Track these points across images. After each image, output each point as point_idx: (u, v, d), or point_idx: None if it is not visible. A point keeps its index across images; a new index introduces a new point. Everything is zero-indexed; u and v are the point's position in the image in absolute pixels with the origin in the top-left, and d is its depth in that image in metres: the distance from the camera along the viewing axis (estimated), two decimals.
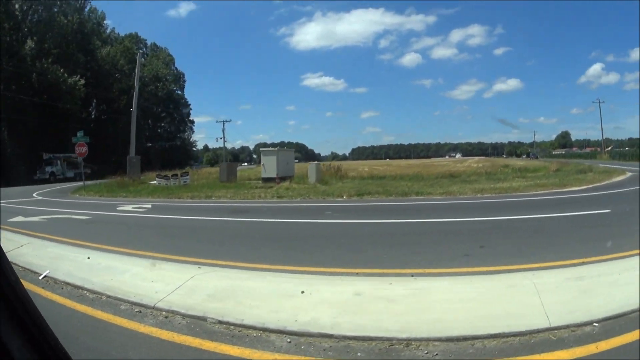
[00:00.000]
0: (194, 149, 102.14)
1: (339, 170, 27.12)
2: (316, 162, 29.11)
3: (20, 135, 45.01)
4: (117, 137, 55.86)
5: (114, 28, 75.87)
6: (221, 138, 76.01)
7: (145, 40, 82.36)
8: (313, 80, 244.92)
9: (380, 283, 5.10)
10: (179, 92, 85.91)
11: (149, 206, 16.37)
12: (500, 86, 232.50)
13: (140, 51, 41.98)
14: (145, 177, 32.25)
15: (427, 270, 5.70)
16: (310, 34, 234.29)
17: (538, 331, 3.70)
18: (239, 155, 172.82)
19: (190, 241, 9.10)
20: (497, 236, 8.34)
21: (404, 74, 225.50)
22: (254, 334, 4.02)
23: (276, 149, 28.04)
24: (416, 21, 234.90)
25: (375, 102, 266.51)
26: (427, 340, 3.66)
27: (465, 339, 3.66)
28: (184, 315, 4.48)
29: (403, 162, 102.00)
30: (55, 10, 53.68)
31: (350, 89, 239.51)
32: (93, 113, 64.98)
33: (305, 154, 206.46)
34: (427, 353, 3.51)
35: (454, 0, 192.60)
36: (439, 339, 3.66)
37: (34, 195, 24.61)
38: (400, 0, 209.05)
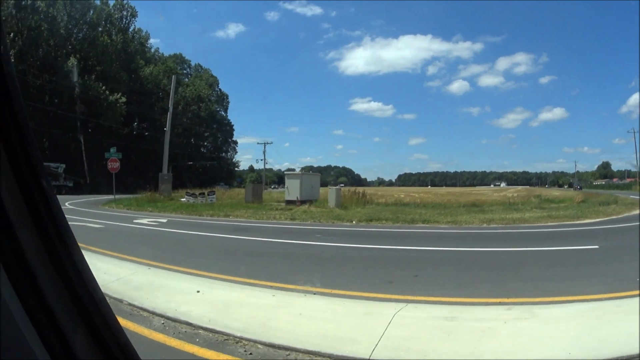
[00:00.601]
0: (237, 169, 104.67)
1: (363, 195, 27.42)
2: (338, 186, 29.63)
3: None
4: (156, 154, 58.04)
5: (157, 48, 79.71)
6: (262, 159, 78.01)
7: (190, 60, 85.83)
8: (361, 105, 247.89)
9: (266, 294, 5.79)
10: (223, 113, 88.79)
11: (165, 221, 17.15)
12: (546, 115, 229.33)
13: (174, 75, 43.35)
14: (177, 194, 33.47)
15: (328, 290, 6.02)
16: (358, 59, 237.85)
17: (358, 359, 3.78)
18: (283, 177, 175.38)
19: (163, 250, 9.92)
20: (444, 266, 8.37)
21: (452, 101, 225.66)
22: (145, 315, 5.03)
23: (300, 172, 28.66)
24: (463, 48, 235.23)
25: (423, 129, 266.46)
26: (255, 341, 4.13)
27: (285, 348, 3.99)
28: (110, 297, 5.46)
29: (444, 189, 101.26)
30: (100, 29, 56.89)
31: (398, 115, 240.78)
32: (135, 130, 67.67)
33: (352, 178, 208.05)
34: (245, 351, 4.00)
35: (501, 27, 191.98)
36: (263, 343, 4.11)
37: (67, 204, 25.97)
38: (447, 27, 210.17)
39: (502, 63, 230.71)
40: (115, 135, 52.36)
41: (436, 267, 8.25)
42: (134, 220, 16.99)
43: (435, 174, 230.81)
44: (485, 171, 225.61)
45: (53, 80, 46.87)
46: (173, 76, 41.91)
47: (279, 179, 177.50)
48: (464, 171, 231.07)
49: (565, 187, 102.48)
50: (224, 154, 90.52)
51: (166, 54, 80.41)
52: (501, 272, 7.81)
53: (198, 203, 26.66)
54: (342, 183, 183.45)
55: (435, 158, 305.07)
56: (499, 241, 12.41)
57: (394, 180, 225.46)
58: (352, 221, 17.43)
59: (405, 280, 6.93)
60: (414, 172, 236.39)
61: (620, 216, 19.69)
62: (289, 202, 25.34)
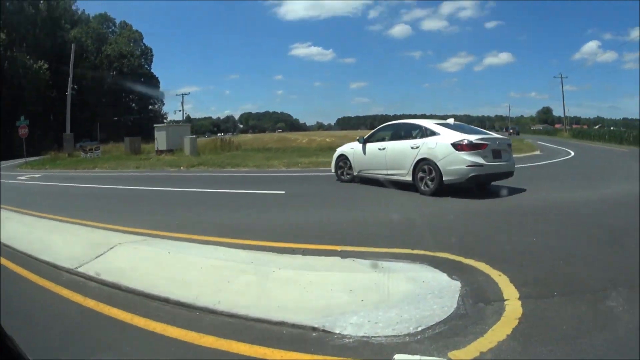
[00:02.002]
0: (165, 120, 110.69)
1: (229, 143, 34.37)
2: (193, 135, 33.38)
3: None
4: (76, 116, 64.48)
5: (84, 10, 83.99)
6: (180, 110, 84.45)
7: (115, 19, 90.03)
8: (301, 50, 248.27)
9: None
10: (147, 67, 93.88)
11: (39, 175, 24.49)
12: (491, 59, 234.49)
13: (73, 44, 49.03)
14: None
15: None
16: (298, 4, 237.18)
17: None
18: (220, 125, 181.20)
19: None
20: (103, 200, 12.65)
21: (394, 45, 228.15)
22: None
23: (166, 124, 34.94)
24: None
25: (364, 73, 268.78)
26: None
27: None
28: None
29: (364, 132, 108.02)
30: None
31: (339, 59, 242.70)
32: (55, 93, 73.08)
33: (290, 124, 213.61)
34: None
35: None
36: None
37: None
38: None
39: (447, 7, 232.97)
40: (38, 103, 58.19)
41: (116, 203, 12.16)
42: (17, 177, 23.77)
43: (375, 117, 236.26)
44: (425, 114, 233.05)
45: None
46: (72, 44, 47.43)
47: (215, 126, 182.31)
48: (403, 114, 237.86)
49: (503, 130, 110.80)
50: (151, 107, 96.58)
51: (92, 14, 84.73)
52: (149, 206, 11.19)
53: (88, 158, 33.81)
54: (279, 128, 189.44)
55: (377, 102, 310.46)
56: (232, 184, 15.08)
57: (332, 124, 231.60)
58: (180, 167, 22.96)
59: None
60: (353, 116, 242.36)
61: None
62: (158, 151, 31.82)
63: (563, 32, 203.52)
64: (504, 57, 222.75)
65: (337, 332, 3.36)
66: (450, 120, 11.46)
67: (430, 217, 7.98)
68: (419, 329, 3.34)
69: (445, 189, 9.98)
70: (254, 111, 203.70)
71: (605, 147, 39.52)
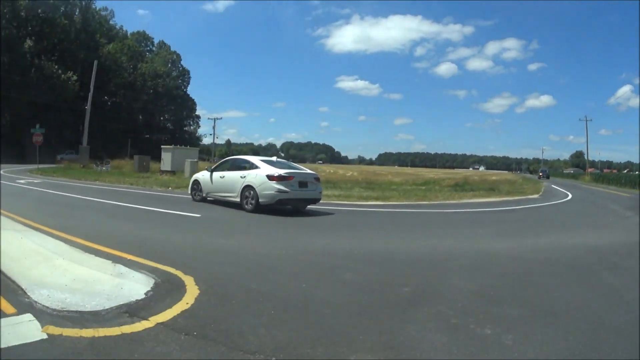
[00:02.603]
0: (201, 142, 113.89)
1: None
2: (195, 159, 34.41)
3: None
4: (104, 128, 67.34)
5: (122, 26, 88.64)
6: (211, 134, 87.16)
7: (153, 38, 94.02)
8: (348, 83, 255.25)
9: None
10: (184, 89, 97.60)
11: (38, 181, 25.89)
12: (533, 102, 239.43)
13: (95, 60, 51.32)
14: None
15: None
16: (347, 37, 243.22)
17: None
18: (260, 152, 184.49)
19: None
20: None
21: (439, 83, 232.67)
22: None
23: (173, 146, 36.39)
24: (453, 31, 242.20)
25: (409, 109, 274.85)
26: None
27: None
28: None
29: (410, 169, 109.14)
30: (62, 9, 65.93)
31: (384, 95, 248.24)
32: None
33: (331, 155, 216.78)
34: None
35: (493, 12, 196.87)
36: None
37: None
38: (438, 9, 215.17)
39: (492, 47, 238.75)
40: (68, 112, 61.01)
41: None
42: (17, 181, 25.56)
43: (416, 154, 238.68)
44: (465, 154, 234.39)
45: (13, 62, 55.54)
46: (95, 61, 49.84)
47: (254, 153, 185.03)
48: (444, 153, 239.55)
49: (530, 172, 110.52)
50: (186, 128, 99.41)
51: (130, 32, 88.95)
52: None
53: (97, 171, 35.44)
54: (320, 160, 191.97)
55: (420, 139, 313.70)
56: (172, 204, 15.60)
57: (373, 159, 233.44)
58: (168, 187, 23.69)
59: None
60: (394, 152, 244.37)
61: (476, 201, 22.90)
62: (161, 172, 33.56)
63: (599, 75, 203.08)
64: (545, 100, 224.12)
65: (46, 304, 4.64)
66: (274, 158, 15.95)
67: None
68: (121, 303, 4.77)
69: (262, 208, 13.48)
70: (296, 141, 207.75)
71: (613, 192, 39.53)
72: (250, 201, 13.63)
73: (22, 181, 25.44)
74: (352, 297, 5.40)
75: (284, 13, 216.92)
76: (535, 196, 27.73)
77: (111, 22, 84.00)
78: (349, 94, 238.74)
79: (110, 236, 8.66)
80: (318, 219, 13.42)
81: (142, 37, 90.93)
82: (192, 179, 17.22)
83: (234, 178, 14.47)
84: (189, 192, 17.07)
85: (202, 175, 16.35)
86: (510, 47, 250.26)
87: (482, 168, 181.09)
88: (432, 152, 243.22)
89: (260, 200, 13.35)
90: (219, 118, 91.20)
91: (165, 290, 5.29)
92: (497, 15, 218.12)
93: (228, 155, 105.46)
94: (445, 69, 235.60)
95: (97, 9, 77.94)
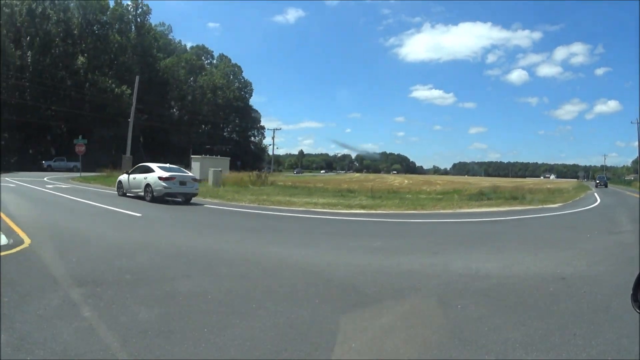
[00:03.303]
0: (268, 153, 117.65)
1: (259, 177, 36.37)
2: (219, 168, 34.79)
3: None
4: (156, 141, 70.93)
5: (180, 40, 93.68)
6: (275, 146, 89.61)
7: (212, 51, 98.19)
8: (422, 92, 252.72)
9: None
10: (246, 100, 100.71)
11: (66, 187, 27.88)
12: (601, 107, 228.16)
13: (137, 76, 53.46)
14: None
15: None
16: (419, 46, 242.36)
17: None
18: (333, 163, 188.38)
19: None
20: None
21: (511, 90, 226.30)
22: None
23: (201, 156, 37.99)
24: (522, 37, 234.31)
25: (483, 118, 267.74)
26: None
27: None
28: None
29: (473, 179, 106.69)
30: (116, 27, 70.63)
31: (458, 103, 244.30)
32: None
33: (406, 165, 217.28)
34: None
35: (560, 16, 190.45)
36: None
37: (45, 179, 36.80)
38: (507, 15, 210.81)
39: (560, 53, 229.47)
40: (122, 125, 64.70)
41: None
42: (46, 186, 27.60)
43: (490, 163, 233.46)
44: (537, 162, 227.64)
45: (65, 78, 59.95)
46: (136, 77, 52.48)
47: (327, 164, 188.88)
48: (516, 162, 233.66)
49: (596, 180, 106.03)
50: (253, 139, 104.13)
51: (192, 44, 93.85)
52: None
53: None
54: (395, 170, 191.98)
55: (494, 148, 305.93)
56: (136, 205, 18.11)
57: (448, 169, 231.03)
58: None
59: None
60: (468, 161, 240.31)
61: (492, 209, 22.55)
62: None
63: None
64: (612, 105, 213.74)
65: None
66: (167, 165, 21.69)
67: None
68: None
69: (157, 199, 19.57)
70: (373, 151, 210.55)
71: None
72: (148, 194, 19.80)
73: (50, 186, 27.53)
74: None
75: (355, 23, 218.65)
76: (556, 205, 26.45)
77: (170, 37, 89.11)
78: (424, 104, 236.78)
79: (28, 220, 12.32)
80: (222, 220, 16.10)
81: (202, 51, 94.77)
82: (118, 180, 23.28)
83: (140, 179, 20.65)
84: (116, 189, 23.12)
85: (123, 177, 22.36)
86: (577, 51, 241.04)
87: (552, 177, 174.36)
88: (505, 161, 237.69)
89: (154, 194, 19.58)
90: (277, 129, 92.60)
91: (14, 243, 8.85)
92: (563, 20, 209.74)
93: (298, 166, 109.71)
94: (516, 75, 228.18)
95: (154, 25, 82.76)
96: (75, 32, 64.63)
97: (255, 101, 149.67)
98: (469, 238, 13.13)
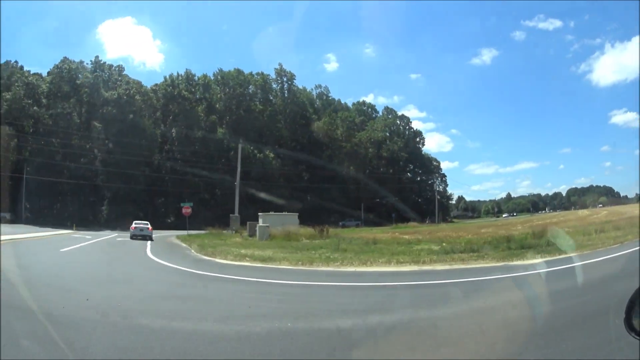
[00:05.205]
0: (451, 201, 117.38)
1: (322, 231, 37.99)
2: (266, 225, 37.38)
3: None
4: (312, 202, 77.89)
5: (339, 99, 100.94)
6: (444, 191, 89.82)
7: (374, 105, 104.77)
8: (619, 117, 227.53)
9: None
10: (418, 149, 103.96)
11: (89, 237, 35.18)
12: None
13: (240, 144, 59.02)
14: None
15: None
16: (606, 68, 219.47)
17: None
18: (538, 204, 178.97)
19: None
20: None
21: None
22: None
23: (269, 213, 41.78)
24: None
25: None
26: None
27: None
28: None
29: None
30: (258, 97, 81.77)
31: None
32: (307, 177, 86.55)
33: (611, 197, 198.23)
34: None
35: None
36: None
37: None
38: None
39: None
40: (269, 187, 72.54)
41: None
42: (117, 238, 34.25)
43: None
44: None
45: (209, 147, 71.08)
46: (239, 145, 58.56)
47: (533, 204, 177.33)
48: None
49: None
50: (437, 187, 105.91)
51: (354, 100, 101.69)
52: None
53: (228, 234, 42.81)
54: (600, 203, 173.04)
55: None
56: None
57: None
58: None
59: None
60: None
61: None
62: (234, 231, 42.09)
63: None
64: None
65: None
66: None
67: None
68: None
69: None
70: (579, 186, 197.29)
71: None
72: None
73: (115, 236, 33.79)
74: None
75: (545, 54, 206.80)
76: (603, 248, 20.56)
77: (330, 97, 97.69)
78: (622, 128, 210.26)
79: None
80: None
81: (366, 105, 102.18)
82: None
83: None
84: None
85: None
86: None
87: None
88: None
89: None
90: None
91: None
92: None
93: (495, 210, 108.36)
94: None
95: (308, 89, 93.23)
96: (218, 105, 77.02)
97: (459, 147, 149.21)
98: None
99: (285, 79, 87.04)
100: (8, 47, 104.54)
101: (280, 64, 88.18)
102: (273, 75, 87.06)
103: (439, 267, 17.50)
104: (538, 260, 17.75)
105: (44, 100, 66.22)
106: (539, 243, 22.96)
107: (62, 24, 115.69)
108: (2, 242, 23.86)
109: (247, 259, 21.20)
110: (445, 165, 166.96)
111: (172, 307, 9.66)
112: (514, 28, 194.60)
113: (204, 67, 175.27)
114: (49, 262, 19.22)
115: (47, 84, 67.13)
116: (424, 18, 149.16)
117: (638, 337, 3.54)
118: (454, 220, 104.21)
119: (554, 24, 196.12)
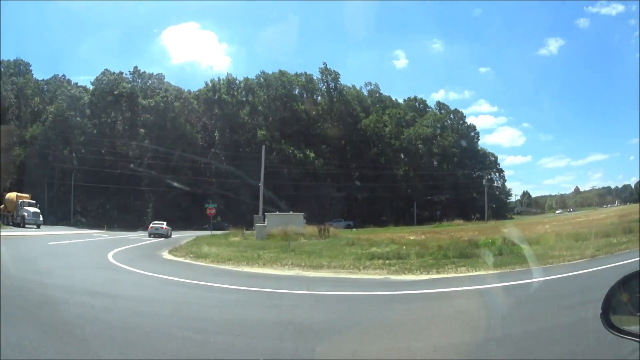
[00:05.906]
0: (510, 197, 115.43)
1: (323, 230, 38.95)
2: (264, 224, 40.52)
3: None
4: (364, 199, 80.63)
5: (390, 96, 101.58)
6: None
7: (425, 100, 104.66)
8: None
9: None
10: (474, 144, 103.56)
11: (106, 236, 39.03)
12: None
13: (264, 145, 61.56)
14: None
15: None
16: None
17: None
18: (605, 197, 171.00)
19: None
20: None
21: None
22: None
23: (273, 213, 44.33)
24: None
25: None
26: None
27: None
28: None
29: None
30: (303, 98, 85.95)
31: None
32: (357, 175, 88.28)
33: None
34: None
35: None
36: None
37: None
38: None
39: None
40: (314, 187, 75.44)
41: None
42: (129, 237, 37.92)
43: None
44: None
45: (251, 149, 74.70)
46: (263, 146, 60.97)
47: (601, 196, 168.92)
48: None
49: None
50: (490, 184, 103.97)
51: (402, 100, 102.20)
52: None
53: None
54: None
55: None
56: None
57: None
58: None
59: None
60: None
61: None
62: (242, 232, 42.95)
63: None
64: None
65: None
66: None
67: None
68: None
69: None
70: None
71: None
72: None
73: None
74: None
75: (610, 42, 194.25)
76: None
77: (381, 95, 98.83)
78: None
79: None
80: None
81: (418, 101, 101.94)
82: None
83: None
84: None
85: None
86: None
87: None
88: None
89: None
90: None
91: None
92: None
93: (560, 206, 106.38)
94: None
95: (357, 87, 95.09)
96: (260, 108, 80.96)
97: (532, 140, 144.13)
98: None
99: (330, 78, 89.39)
100: (65, 59, 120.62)
101: (324, 63, 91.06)
102: (318, 75, 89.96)
103: (329, 274, 16.64)
104: (442, 275, 15.29)
105: (87, 111, 73.12)
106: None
107: (125, 33, 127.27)
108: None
109: (190, 256, 24.07)
110: (518, 160, 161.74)
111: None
112: (578, 15, 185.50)
113: (272, 67, 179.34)
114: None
115: (89, 96, 74.02)
116: (488, 11, 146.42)
117: (616, 333, 3.57)
118: (514, 216, 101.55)
119: (616, 8, 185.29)
